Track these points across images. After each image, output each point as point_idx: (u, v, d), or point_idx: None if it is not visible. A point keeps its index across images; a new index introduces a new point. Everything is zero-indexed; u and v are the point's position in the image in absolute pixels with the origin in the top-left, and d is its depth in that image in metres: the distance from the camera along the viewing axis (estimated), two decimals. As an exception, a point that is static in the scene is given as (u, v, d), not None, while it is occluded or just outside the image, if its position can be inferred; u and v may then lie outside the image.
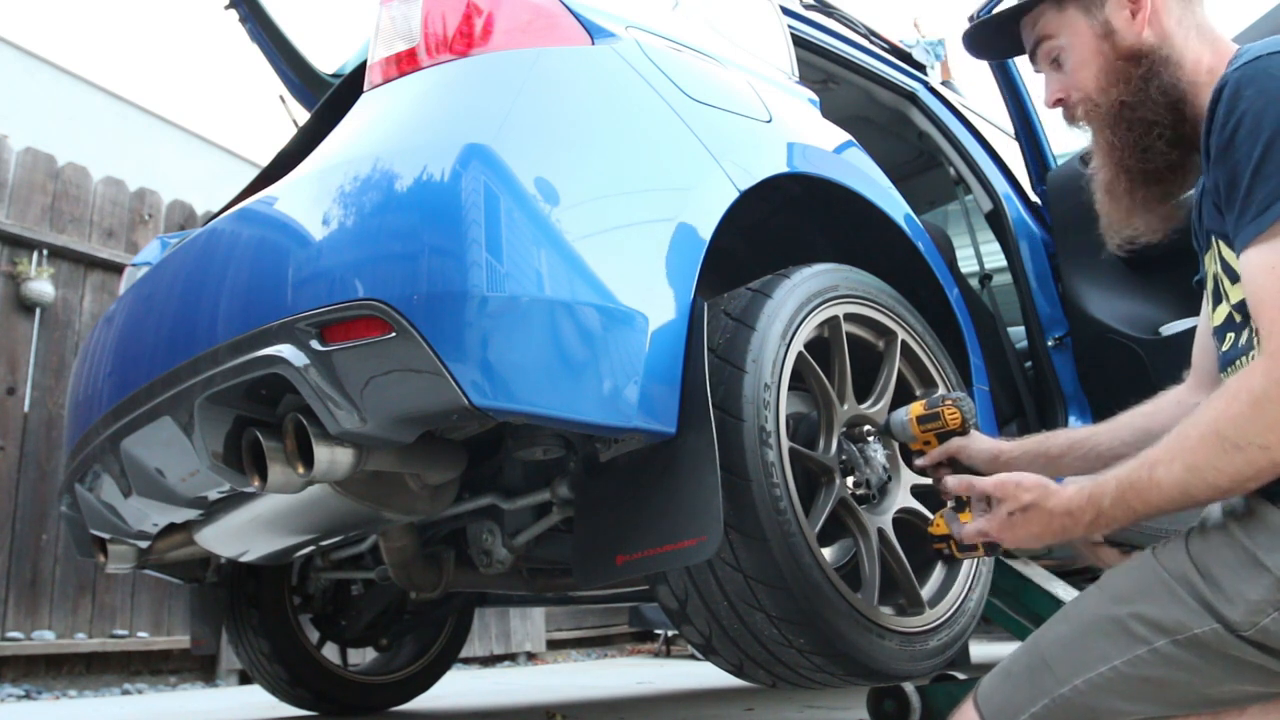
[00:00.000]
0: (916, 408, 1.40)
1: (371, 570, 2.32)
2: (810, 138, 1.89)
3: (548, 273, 1.27)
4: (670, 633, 5.74)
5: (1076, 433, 1.37)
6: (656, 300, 1.38)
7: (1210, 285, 1.17)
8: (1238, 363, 1.10)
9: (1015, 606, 2.10)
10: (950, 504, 1.39)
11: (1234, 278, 1.09)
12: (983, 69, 2.59)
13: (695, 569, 1.41)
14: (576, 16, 1.58)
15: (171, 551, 1.91)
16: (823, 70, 2.56)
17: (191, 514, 1.70)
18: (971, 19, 1.39)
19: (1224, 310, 1.13)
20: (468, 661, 4.99)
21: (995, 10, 1.33)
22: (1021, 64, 2.62)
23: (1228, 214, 1.02)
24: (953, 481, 1.20)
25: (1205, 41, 1.17)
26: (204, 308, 1.47)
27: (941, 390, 1.78)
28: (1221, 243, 1.10)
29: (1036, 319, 2.46)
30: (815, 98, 2.15)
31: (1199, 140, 1.08)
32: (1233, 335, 1.11)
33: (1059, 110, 1.27)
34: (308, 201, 1.38)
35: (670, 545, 1.31)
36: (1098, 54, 1.20)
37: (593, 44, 1.56)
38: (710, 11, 2.07)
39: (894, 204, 1.98)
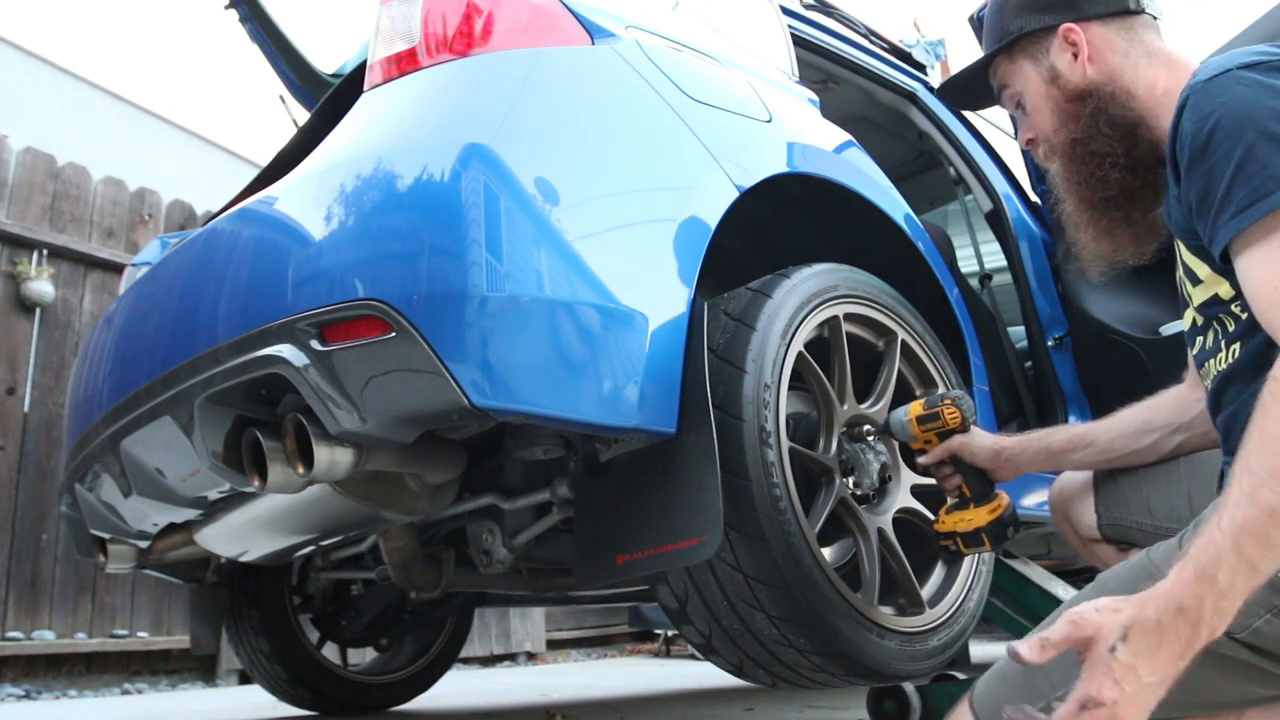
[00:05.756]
0: (916, 407, 1.40)
1: (371, 570, 2.32)
2: (810, 138, 1.89)
3: (548, 272, 1.26)
4: (670, 633, 5.73)
5: (1077, 429, 1.38)
6: (656, 300, 1.38)
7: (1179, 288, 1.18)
8: (1208, 364, 1.10)
9: (1015, 606, 2.10)
10: (952, 500, 1.39)
11: (1195, 280, 1.09)
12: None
13: (695, 569, 1.41)
14: (576, 16, 1.58)
15: (171, 551, 1.91)
16: (823, 70, 2.56)
17: (191, 514, 1.70)
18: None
19: (1190, 314, 1.13)
20: (468, 661, 4.99)
21: (957, 72, 1.42)
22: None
23: (1202, 219, 1.00)
24: (1024, 651, 0.86)
25: (1158, 65, 1.19)
26: (204, 308, 1.47)
27: (941, 390, 1.78)
28: (1183, 246, 1.10)
29: (1036, 319, 2.46)
30: (815, 98, 2.15)
31: (1161, 159, 1.09)
32: (1201, 339, 1.11)
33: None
34: (308, 201, 1.38)
35: (670, 545, 1.31)
36: (1048, 98, 1.24)
37: (593, 44, 1.56)
38: (710, 11, 2.07)
39: (894, 204, 1.98)
